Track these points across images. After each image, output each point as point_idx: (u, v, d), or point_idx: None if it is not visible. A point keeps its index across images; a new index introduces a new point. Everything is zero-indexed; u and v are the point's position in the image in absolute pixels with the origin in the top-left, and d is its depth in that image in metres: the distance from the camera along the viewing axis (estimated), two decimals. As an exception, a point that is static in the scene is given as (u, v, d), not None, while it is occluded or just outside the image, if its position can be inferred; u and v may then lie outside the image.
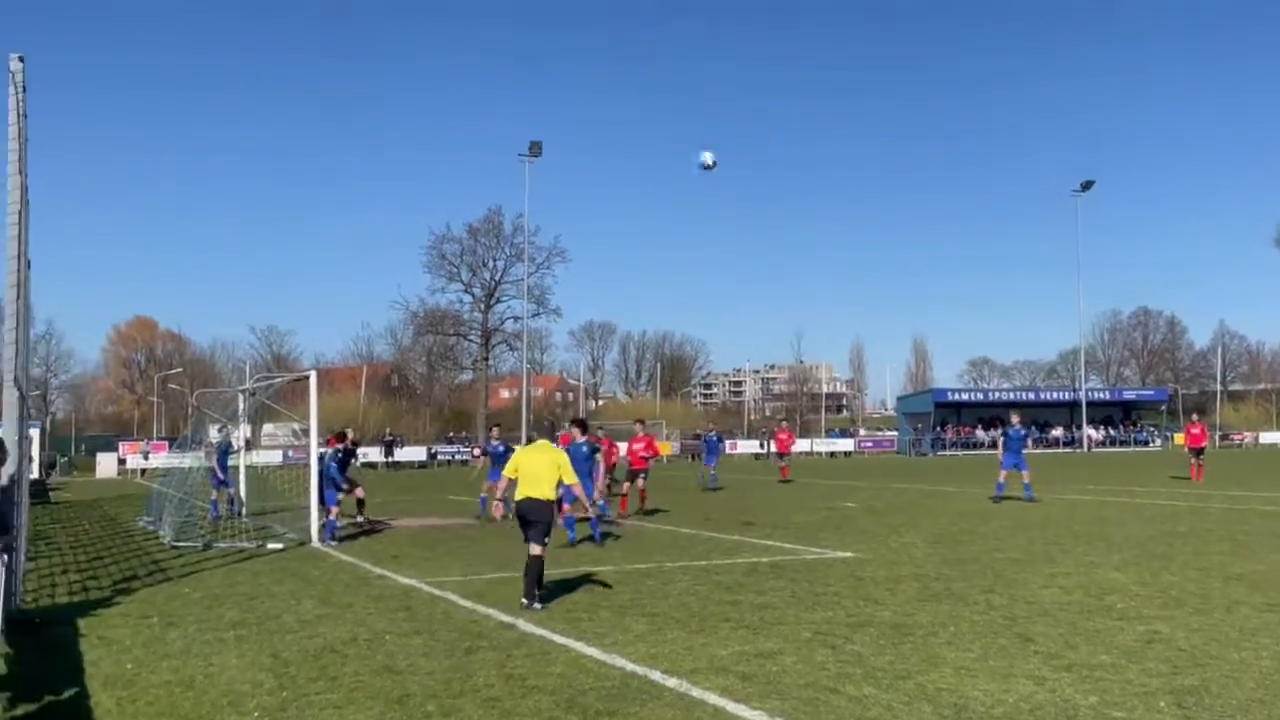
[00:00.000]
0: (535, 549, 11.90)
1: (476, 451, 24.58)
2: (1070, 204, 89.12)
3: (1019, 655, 9.07)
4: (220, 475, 24.99)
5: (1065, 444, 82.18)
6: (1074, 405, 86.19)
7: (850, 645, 9.52)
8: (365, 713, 7.52)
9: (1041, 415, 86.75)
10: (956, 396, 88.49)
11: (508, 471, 12.67)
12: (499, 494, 13.29)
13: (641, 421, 27.02)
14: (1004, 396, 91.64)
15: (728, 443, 78.95)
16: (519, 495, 12.16)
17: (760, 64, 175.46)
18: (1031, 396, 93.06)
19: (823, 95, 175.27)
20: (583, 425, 15.61)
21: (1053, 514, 22.95)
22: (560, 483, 12.32)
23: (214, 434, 26.16)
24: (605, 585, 13.14)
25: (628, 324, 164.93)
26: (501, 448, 23.06)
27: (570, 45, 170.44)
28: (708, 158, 22.54)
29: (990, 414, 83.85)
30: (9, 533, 11.48)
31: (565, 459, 12.56)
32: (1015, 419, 28.19)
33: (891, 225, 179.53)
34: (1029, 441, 27.23)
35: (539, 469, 12.19)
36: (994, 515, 22.76)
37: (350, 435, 22.68)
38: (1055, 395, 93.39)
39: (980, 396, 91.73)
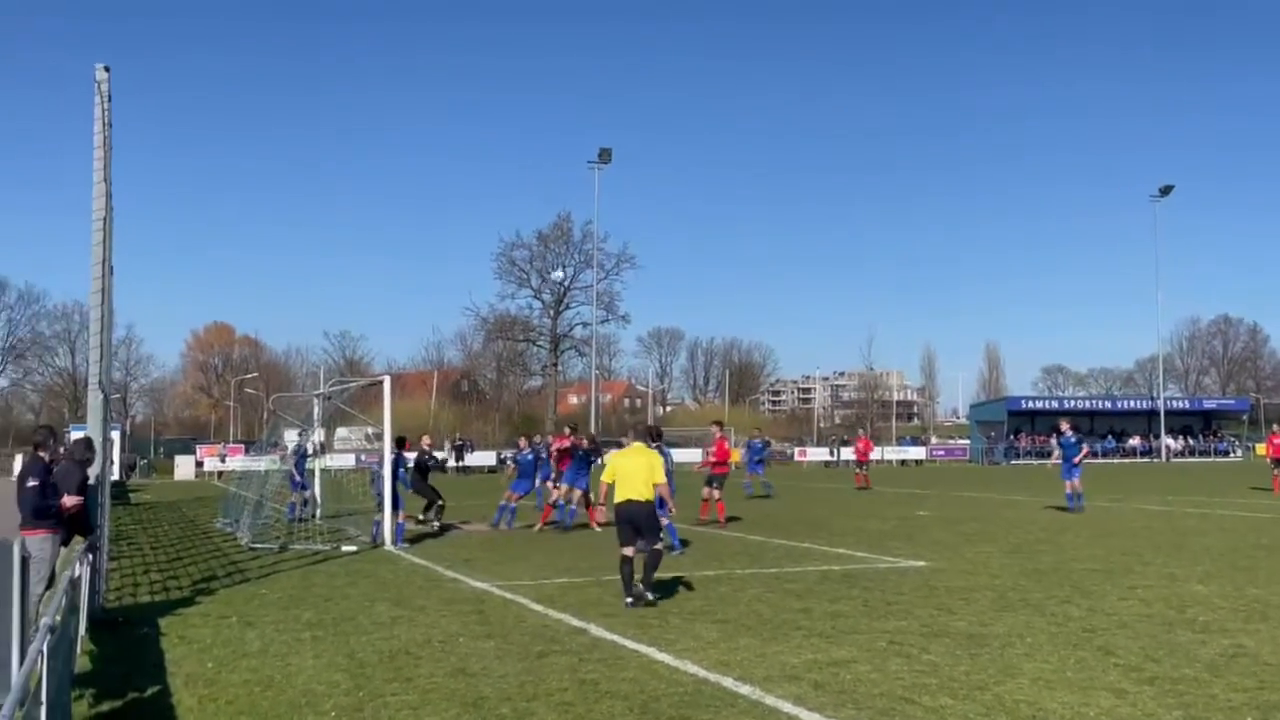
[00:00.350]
0: (630, 549, 12.29)
1: (509, 461, 24.13)
2: (1149, 209, 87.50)
3: (1099, 668, 8.91)
4: (298, 478, 25.39)
5: (1143, 454, 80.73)
6: (1152, 414, 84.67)
7: (925, 655, 9.42)
8: (441, 715, 7.58)
9: (1118, 424, 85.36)
10: (1030, 404, 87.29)
11: (605, 477, 12.93)
12: (600, 499, 13.33)
13: (719, 424, 26.57)
14: (1079, 405, 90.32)
15: (796, 450, 78.63)
16: (618, 498, 12.48)
17: (828, 64, 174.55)
18: (1108, 405, 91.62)
19: (892, 96, 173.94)
20: (656, 433, 15.58)
21: (1131, 525, 22.54)
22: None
23: (291, 437, 26.60)
24: (688, 587, 13.09)
25: (696, 330, 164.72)
26: (531, 456, 23.21)
27: (640, 49, 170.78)
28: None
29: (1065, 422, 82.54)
30: (92, 532, 11.77)
31: (659, 461, 12.85)
32: (1065, 426, 27.67)
33: (964, 229, 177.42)
34: (1083, 448, 26.65)
35: (636, 471, 12.46)
36: (1070, 525, 22.39)
37: (425, 440, 22.87)
38: (1133, 404, 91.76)
39: (1055, 405, 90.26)
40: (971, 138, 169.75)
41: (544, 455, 23.82)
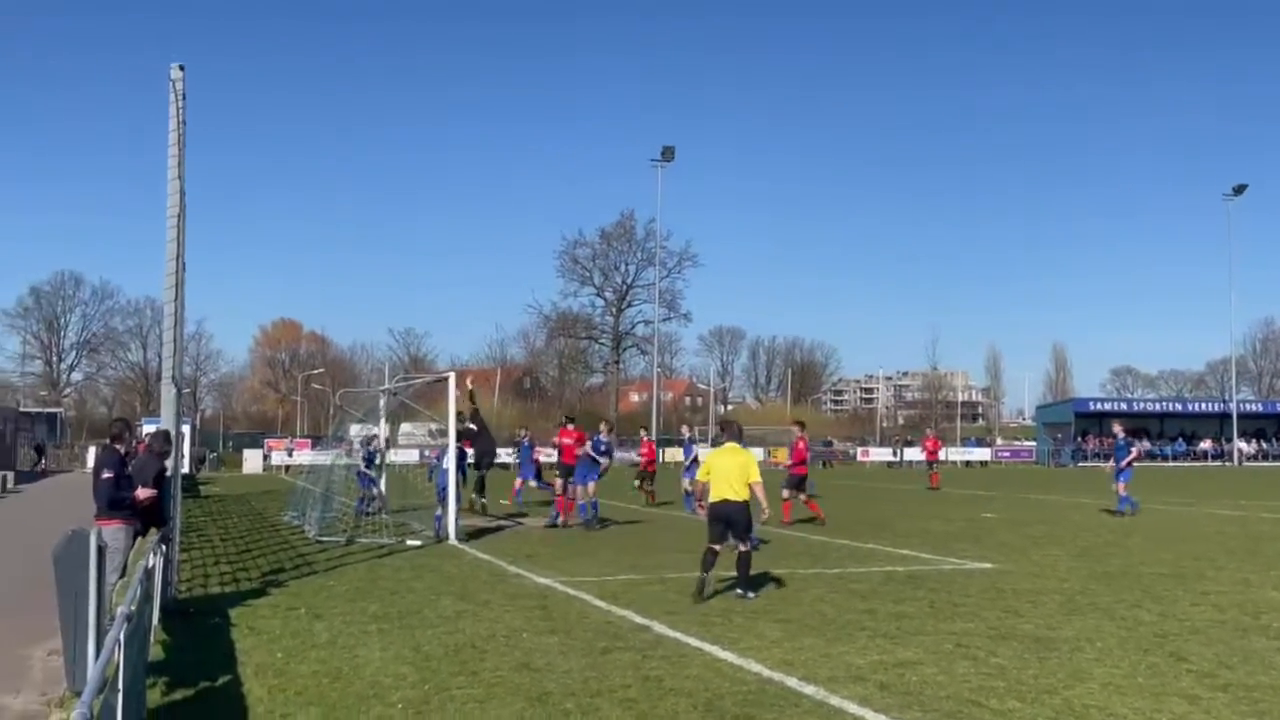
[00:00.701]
0: (717, 546, 12.70)
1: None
2: (1222, 208, 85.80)
3: (1171, 673, 8.76)
4: (368, 473, 25.66)
5: (1214, 457, 79.19)
6: (1224, 417, 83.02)
7: (993, 658, 9.32)
8: (506, 709, 7.63)
9: (1189, 427, 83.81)
10: (1098, 406, 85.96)
11: (701, 475, 13.21)
12: (698, 495, 13.56)
13: (801, 424, 26.19)
14: (1149, 407, 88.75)
15: (859, 450, 78.15)
16: (713, 497, 12.72)
17: (894, 58, 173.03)
18: (1179, 408, 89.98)
19: (958, 88, 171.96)
20: (730, 427, 15.61)
21: (1203, 529, 22.14)
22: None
23: (356, 432, 26.94)
24: (780, 583, 13.02)
25: (758, 329, 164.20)
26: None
27: (704, 46, 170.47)
28: None
29: (1134, 425, 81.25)
30: (167, 524, 11.99)
31: (753, 459, 13.00)
32: (1118, 428, 27.68)
33: (1034, 226, 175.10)
34: (1132, 450, 26.57)
35: (730, 470, 12.67)
36: (1139, 529, 22.04)
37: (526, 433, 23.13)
38: (1204, 407, 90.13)
39: (1124, 407, 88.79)
40: (1041, 134, 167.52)
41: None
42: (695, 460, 27.15)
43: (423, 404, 33.53)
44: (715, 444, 17.43)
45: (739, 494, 12.62)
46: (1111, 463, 26.73)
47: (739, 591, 12.64)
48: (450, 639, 10.22)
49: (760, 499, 12.77)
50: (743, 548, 12.74)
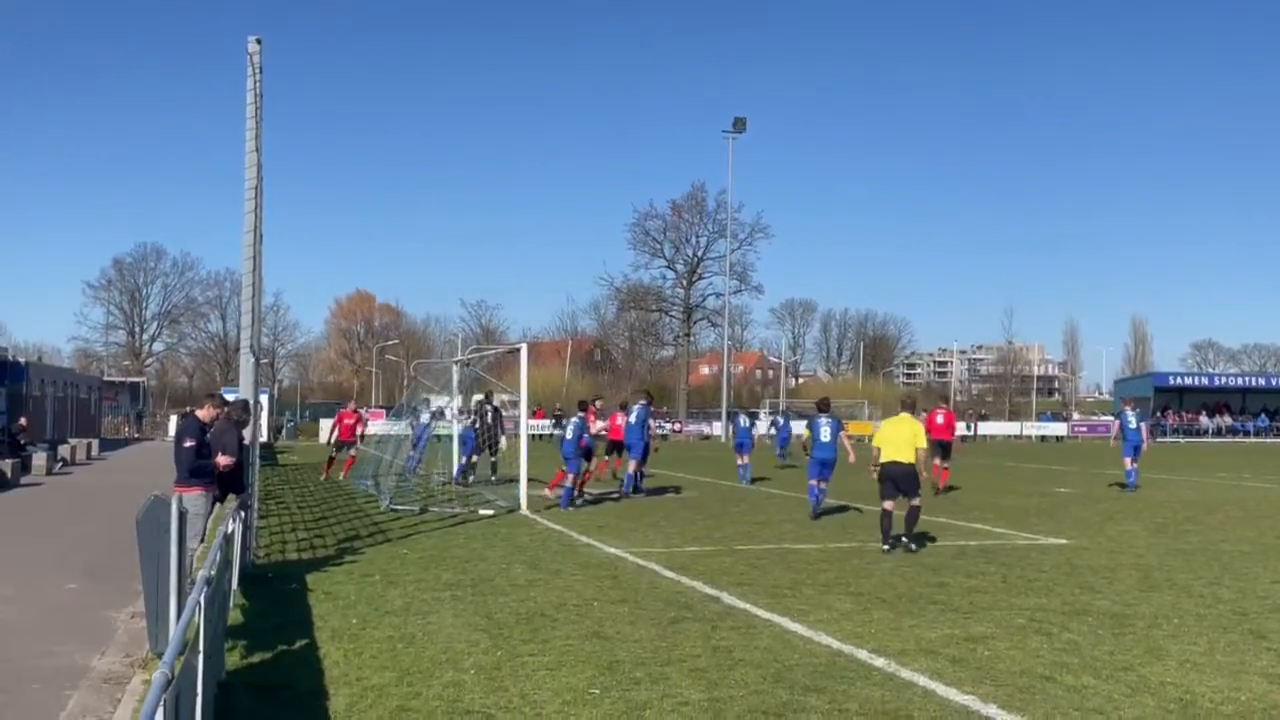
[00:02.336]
0: (890, 504, 14.49)
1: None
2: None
3: (1250, 652, 8.60)
4: (469, 442, 26.06)
5: (1298, 433, 77.31)
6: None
7: (1066, 633, 9.21)
8: (577, 676, 7.70)
9: (1273, 403, 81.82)
10: (1179, 381, 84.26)
11: (875, 441, 14.96)
12: (873, 460, 14.86)
13: (945, 400, 27.40)
14: (1231, 382, 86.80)
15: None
16: (884, 459, 14.58)
17: (964, 29, 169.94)
18: (1261, 383, 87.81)
19: (1037, 56, 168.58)
20: (907, 401, 16.37)
21: (1286, 506, 21.64)
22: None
23: (439, 403, 27.50)
24: (822, 560, 13.01)
25: (829, 301, 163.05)
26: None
27: (776, 17, 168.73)
28: None
29: (1215, 400, 79.64)
30: (245, 490, 12.22)
31: (921, 429, 14.95)
32: (1126, 407, 28.17)
33: (1111, 197, 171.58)
34: (1144, 430, 27.42)
35: (900, 437, 14.58)
36: (1220, 505, 21.62)
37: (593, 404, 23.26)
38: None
39: (1205, 381, 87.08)
40: (1121, 101, 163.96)
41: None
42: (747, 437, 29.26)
43: (494, 375, 33.78)
44: (813, 417, 21.02)
45: (907, 457, 14.42)
46: (1116, 437, 27.61)
47: (904, 540, 14.32)
48: (522, 607, 10.32)
49: (922, 462, 14.70)
50: (914, 502, 14.44)
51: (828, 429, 19.17)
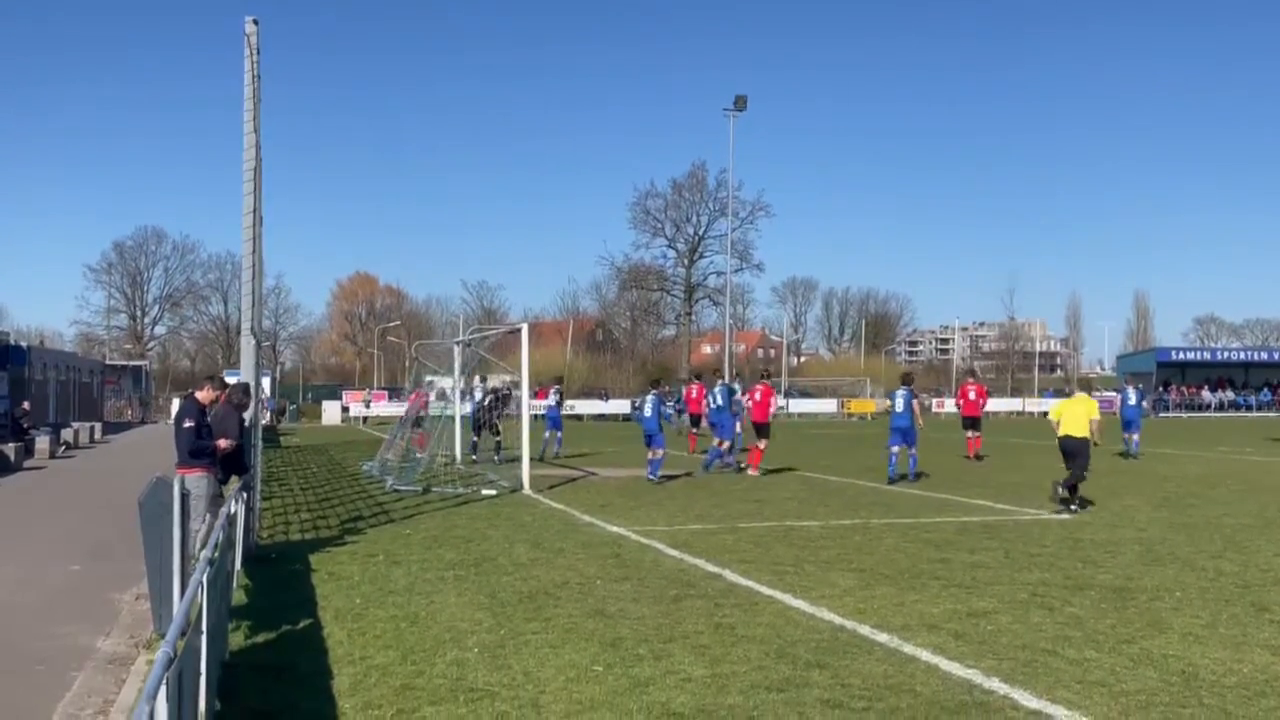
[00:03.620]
0: (1081, 470, 16.13)
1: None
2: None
3: (1253, 624, 8.61)
4: (496, 421, 26.47)
5: (1301, 407, 77.31)
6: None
7: (1069, 607, 9.23)
8: (580, 653, 7.72)
9: (1276, 376, 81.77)
10: (1181, 356, 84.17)
11: (1053, 415, 17.00)
12: (1060, 431, 16.47)
13: (973, 373, 30.23)
14: (1233, 357, 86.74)
15: (934, 400, 77.38)
16: (1061, 433, 16.41)
17: (963, 4, 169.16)
18: (1264, 357, 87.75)
19: (1036, 30, 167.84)
20: (1083, 381, 17.85)
21: (1288, 480, 21.64)
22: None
23: (477, 383, 27.86)
24: (823, 536, 13.05)
25: (831, 279, 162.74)
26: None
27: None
28: None
29: (1218, 375, 79.54)
30: (247, 472, 12.24)
31: (1095, 406, 16.55)
32: (1129, 385, 30.63)
33: (1111, 172, 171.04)
34: (1144, 405, 31.57)
35: (1076, 413, 16.36)
36: (1222, 479, 21.63)
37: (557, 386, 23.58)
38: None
39: (1207, 356, 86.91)
40: (1120, 76, 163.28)
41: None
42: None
43: (496, 355, 33.78)
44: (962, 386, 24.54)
45: (1080, 431, 16.11)
46: (1117, 410, 30.85)
47: (1066, 500, 15.97)
48: (524, 585, 10.34)
49: (1095, 432, 16.19)
50: (1080, 471, 16.07)
51: (901, 400, 21.45)
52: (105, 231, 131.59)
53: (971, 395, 28.53)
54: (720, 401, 23.93)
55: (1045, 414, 73.91)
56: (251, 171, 13.30)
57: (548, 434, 28.62)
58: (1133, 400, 29.03)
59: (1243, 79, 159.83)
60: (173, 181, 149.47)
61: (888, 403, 26.73)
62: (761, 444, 22.82)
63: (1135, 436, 28.36)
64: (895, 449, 20.88)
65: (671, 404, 25.17)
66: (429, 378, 33.74)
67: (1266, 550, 12.37)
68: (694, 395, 26.19)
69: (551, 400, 29.25)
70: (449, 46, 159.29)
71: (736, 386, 28.08)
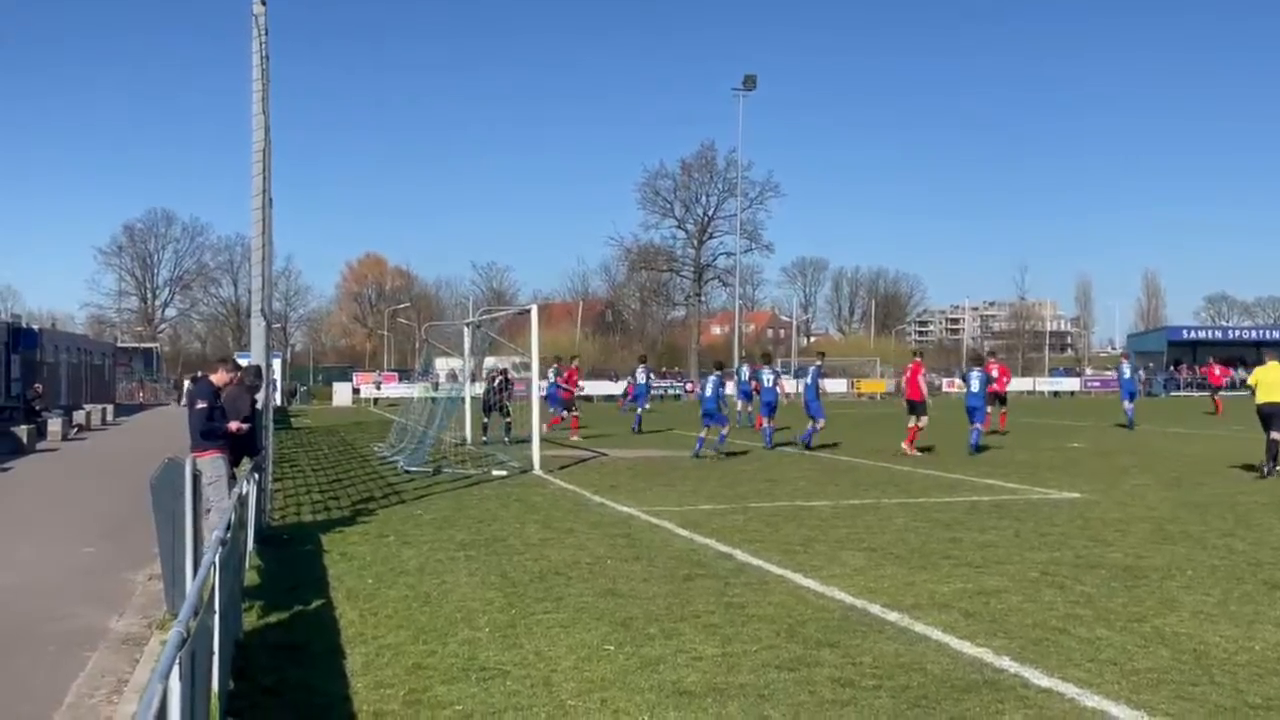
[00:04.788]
0: (1275, 435, 17.30)
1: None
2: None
3: (1265, 602, 8.60)
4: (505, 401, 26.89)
5: (1313, 386, 77.01)
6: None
7: (1079, 586, 9.22)
8: (591, 633, 7.74)
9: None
10: (1192, 335, 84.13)
11: (1251, 381, 17.97)
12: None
13: (994, 354, 32.22)
14: (1244, 335, 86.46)
15: (945, 380, 77.28)
16: (1259, 400, 17.53)
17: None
18: (1275, 335, 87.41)
19: (1046, 13, 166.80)
20: (979, 359, 17.93)
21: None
22: None
23: (488, 364, 28.13)
24: (834, 515, 13.05)
25: (841, 260, 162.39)
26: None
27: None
28: None
29: (1230, 354, 79.19)
30: (258, 453, 12.26)
31: None
32: (1124, 360, 35.24)
33: (1123, 151, 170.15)
34: (1140, 378, 35.00)
35: (1274, 381, 17.34)
36: (1234, 457, 21.56)
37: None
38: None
39: (1218, 335, 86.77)
40: (1127, 55, 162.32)
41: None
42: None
43: (506, 337, 33.79)
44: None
45: (1278, 397, 17.16)
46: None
47: (1270, 466, 17.23)
48: (535, 565, 10.37)
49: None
50: (1275, 435, 17.23)
51: (977, 380, 23.30)
52: (115, 214, 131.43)
53: (994, 373, 28.88)
54: (810, 381, 24.92)
55: (1056, 394, 74.22)
56: (260, 153, 13.31)
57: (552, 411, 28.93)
58: (1128, 373, 32.61)
59: (1250, 61, 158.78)
60: (183, 164, 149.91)
61: (897, 382, 27.89)
62: (921, 421, 22.94)
63: (1131, 406, 31.42)
64: (977, 426, 22.81)
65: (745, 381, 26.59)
66: (437, 359, 33.79)
67: (1278, 528, 12.34)
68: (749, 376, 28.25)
69: (552, 378, 29.59)
70: (459, 29, 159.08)
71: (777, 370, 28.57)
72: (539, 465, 19.62)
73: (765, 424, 25.17)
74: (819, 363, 26.81)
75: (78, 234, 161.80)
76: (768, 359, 29.91)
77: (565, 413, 29.75)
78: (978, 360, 24.48)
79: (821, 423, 24.05)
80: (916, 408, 23.23)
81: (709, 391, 22.86)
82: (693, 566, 10.24)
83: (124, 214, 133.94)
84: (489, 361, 28.00)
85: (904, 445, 22.84)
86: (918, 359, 24.97)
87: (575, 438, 27.36)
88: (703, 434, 22.62)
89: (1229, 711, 6.01)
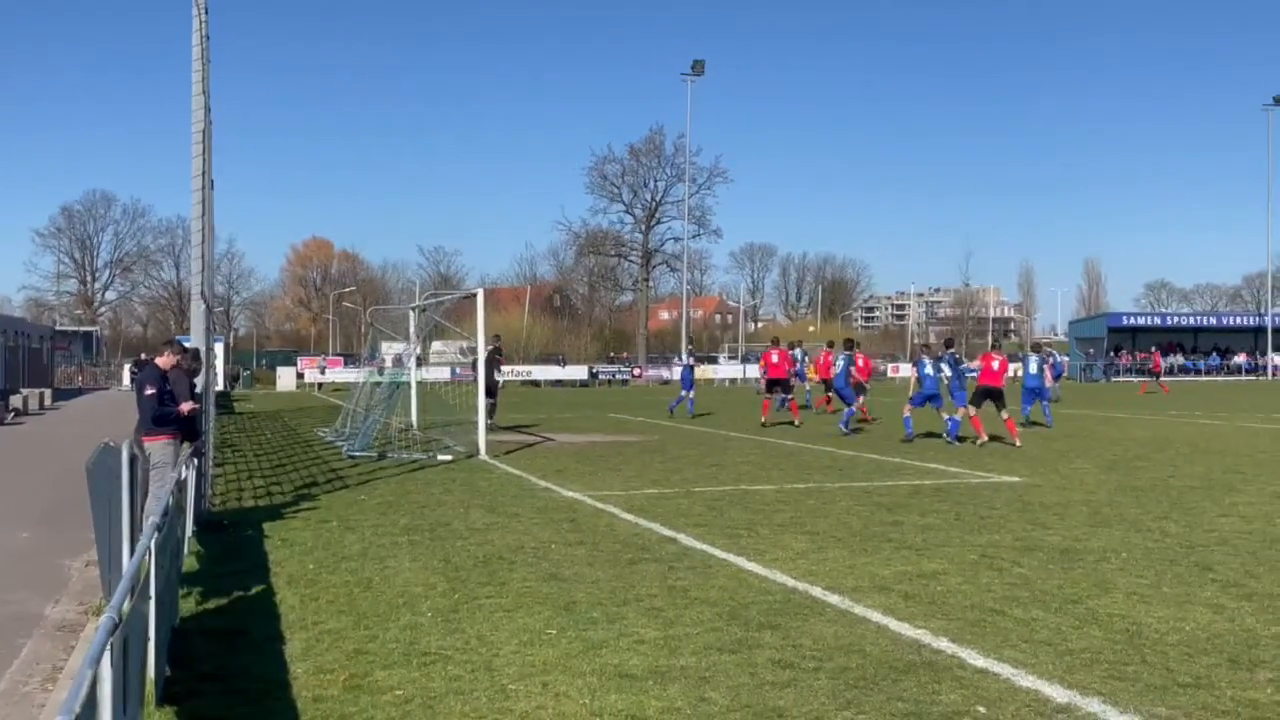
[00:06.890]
0: None
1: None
2: (1261, 119, 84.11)
3: (1196, 583, 8.77)
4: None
5: (1248, 371, 78.59)
6: (1259, 331, 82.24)
7: (1017, 568, 9.35)
8: (534, 617, 7.74)
9: (1224, 341, 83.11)
10: (1132, 321, 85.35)
11: None
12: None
13: (998, 347, 32.05)
14: (1183, 321, 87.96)
15: (889, 366, 77.91)
16: None
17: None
18: (1213, 321, 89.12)
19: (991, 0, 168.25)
20: (1036, 345, 18.15)
21: (1234, 443, 22.02)
22: None
23: (442, 348, 27.87)
24: (777, 500, 13.13)
25: (788, 245, 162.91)
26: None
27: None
28: None
29: (1168, 339, 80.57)
30: (198, 438, 12.12)
31: None
32: (1031, 353, 29.84)
33: (1065, 140, 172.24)
34: (1047, 374, 30.34)
35: None
36: (1171, 442, 21.96)
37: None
38: (1239, 320, 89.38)
39: (1158, 321, 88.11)
40: (1069, 45, 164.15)
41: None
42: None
43: (453, 321, 33.62)
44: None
45: None
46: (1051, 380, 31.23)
47: None
48: (479, 550, 10.34)
49: None
50: None
51: (1035, 363, 26.27)
52: (54, 196, 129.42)
53: (995, 365, 24.69)
54: (948, 371, 23.27)
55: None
56: (200, 134, 13.10)
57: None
58: (1034, 369, 27.89)
59: (1190, 46, 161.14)
60: (123, 145, 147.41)
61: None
62: (971, 411, 22.31)
63: (1035, 406, 27.58)
64: (1030, 406, 25.09)
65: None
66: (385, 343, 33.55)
67: (1211, 511, 12.59)
68: (823, 361, 28.91)
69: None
70: (405, 9, 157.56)
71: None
72: (485, 450, 19.55)
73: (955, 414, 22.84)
74: (848, 351, 26.45)
75: (14, 216, 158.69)
76: (948, 344, 27.66)
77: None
78: (1036, 347, 26.49)
79: (962, 410, 22.39)
80: (995, 395, 22.44)
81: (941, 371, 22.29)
82: (637, 551, 10.27)
83: (62, 196, 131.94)
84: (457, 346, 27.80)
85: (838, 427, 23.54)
86: (996, 349, 25.53)
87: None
88: (955, 415, 22.07)
89: (1159, 690, 6.12)
